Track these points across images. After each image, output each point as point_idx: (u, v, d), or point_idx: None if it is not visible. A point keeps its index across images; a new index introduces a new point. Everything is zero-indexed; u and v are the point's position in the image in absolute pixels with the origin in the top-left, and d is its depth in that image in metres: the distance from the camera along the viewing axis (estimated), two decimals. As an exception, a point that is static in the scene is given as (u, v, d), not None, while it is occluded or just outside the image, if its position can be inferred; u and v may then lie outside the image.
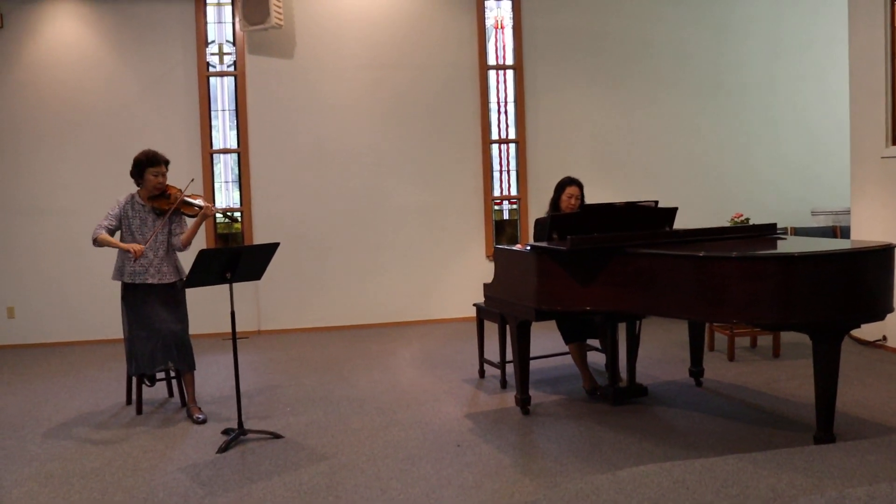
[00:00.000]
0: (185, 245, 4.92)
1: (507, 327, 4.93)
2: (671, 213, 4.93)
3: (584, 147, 8.33)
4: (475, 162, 8.21)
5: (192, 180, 5.31)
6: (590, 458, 3.90)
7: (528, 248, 4.42)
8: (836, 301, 3.62)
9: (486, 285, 5.03)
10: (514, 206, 8.39)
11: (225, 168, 7.92)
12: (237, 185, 7.90)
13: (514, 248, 4.65)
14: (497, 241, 8.34)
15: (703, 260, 3.77)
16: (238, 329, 7.84)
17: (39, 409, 5.26)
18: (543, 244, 4.38)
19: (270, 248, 4.51)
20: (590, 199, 7.92)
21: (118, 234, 4.87)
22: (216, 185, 7.89)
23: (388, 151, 8.04)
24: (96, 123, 7.64)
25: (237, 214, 7.90)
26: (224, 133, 7.90)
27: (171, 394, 5.41)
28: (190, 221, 4.97)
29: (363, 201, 8.03)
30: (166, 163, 4.89)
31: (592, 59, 8.32)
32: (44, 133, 7.63)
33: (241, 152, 7.84)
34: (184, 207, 4.87)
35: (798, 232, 7.74)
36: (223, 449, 4.23)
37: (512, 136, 8.34)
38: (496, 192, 8.36)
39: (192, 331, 5.07)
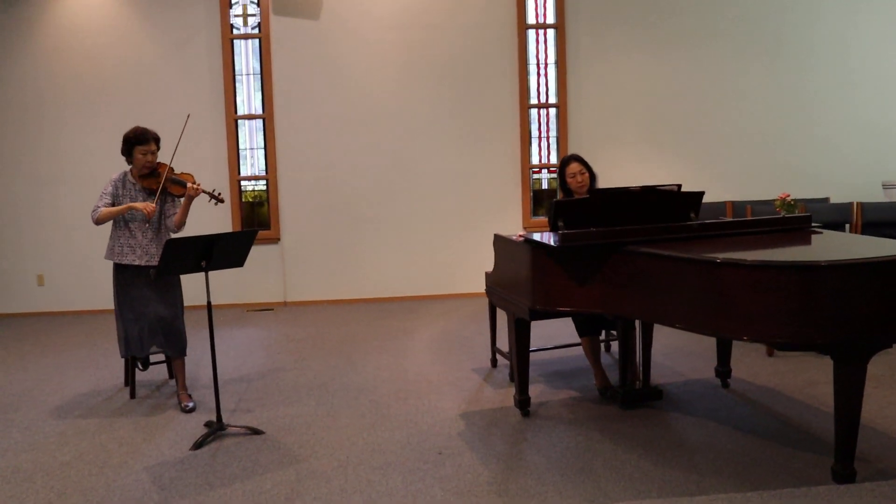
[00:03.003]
0: (178, 226, 4.73)
1: (511, 320, 4.55)
2: (696, 198, 4.38)
3: (631, 113, 7.74)
4: (512, 128, 7.73)
5: (189, 115, 5.11)
6: (576, 478, 3.52)
7: (523, 239, 4.01)
8: (868, 318, 3.08)
9: (487, 274, 4.67)
10: (554, 176, 7.90)
11: (250, 134, 7.68)
12: (262, 151, 7.66)
13: (510, 237, 4.25)
14: (534, 212, 7.90)
15: (709, 266, 3.29)
16: (264, 300, 7.81)
17: (41, 388, 5.22)
18: (536, 237, 3.96)
19: (248, 236, 4.25)
20: (637, 171, 7.32)
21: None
22: (241, 152, 7.67)
23: (418, 117, 7.65)
24: (119, 89, 7.50)
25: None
26: (248, 98, 7.64)
27: (171, 376, 5.28)
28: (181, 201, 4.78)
29: (393, 169, 7.69)
30: (156, 140, 4.68)
31: (642, 18, 7.67)
32: (67, 100, 7.53)
33: (266, 118, 7.58)
34: (170, 187, 4.65)
35: (866, 208, 7.02)
36: (198, 445, 4.04)
37: (552, 100, 7.81)
38: (534, 160, 7.88)
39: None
